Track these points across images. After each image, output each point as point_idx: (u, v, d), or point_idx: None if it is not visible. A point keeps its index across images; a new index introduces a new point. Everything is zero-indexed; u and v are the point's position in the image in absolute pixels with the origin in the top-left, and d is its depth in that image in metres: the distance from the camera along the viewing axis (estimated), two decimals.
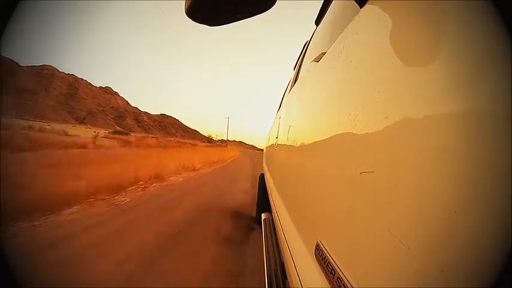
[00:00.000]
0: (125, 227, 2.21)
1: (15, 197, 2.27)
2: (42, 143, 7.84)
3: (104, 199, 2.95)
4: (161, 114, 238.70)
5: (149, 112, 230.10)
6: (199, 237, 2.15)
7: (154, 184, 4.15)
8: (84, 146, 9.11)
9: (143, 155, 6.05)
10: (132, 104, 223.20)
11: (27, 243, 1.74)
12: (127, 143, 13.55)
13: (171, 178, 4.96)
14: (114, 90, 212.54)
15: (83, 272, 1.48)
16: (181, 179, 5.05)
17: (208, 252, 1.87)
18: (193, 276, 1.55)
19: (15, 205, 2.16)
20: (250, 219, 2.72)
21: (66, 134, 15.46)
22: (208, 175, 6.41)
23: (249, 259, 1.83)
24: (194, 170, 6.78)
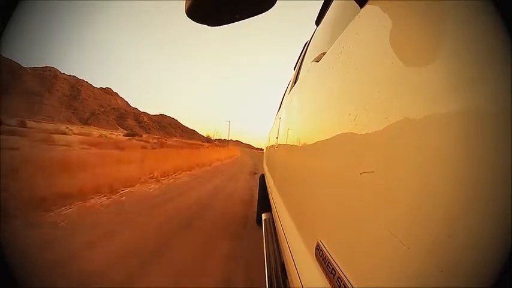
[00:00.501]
0: (215, 173, 7.04)
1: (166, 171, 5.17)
2: (113, 145, 11.03)
3: (203, 167, 7.76)
4: (160, 114, 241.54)
5: (148, 112, 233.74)
6: (241, 172, 8.02)
7: (209, 166, 8.50)
8: (144, 147, 12.53)
9: (186, 154, 9.67)
10: (131, 105, 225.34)
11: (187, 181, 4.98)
12: (162, 145, 16.45)
13: (213, 164, 9.57)
14: (113, 90, 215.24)
15: (216, 179, 5.67)
16: (219, 164, 10.08)
17: (244, 174, 7.54)
18: (245, 175, 7.38)
19: (167, 173, 5.09)
20: (256, 173, 7.23)
21: (105, 136, 20.27)
22: (231, 163, 11.66)
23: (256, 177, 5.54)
24: (221, 161, 11.73)
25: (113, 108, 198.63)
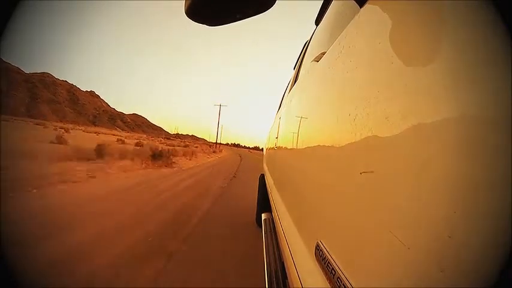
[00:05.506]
0: (233, 154, 32.86)
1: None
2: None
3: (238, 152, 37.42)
4: (133, 113, 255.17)
5: (124, 112, 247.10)
6: (242, 155, 30.49)
7: (222, 154, 25.41)
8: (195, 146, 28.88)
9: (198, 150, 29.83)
10: (110, 105, 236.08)
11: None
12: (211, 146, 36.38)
13: (224, 155, 23.48)
14: (96, 93, 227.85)
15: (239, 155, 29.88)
16: (225, 153, 29.45)
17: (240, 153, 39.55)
18: (237, 157, 25.04)
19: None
20: (248, 158, 23.93)
21: (161, 142, 28.92)
22: (231, 153, 32.73)
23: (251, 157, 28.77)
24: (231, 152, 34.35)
25: (103, 111, 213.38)
